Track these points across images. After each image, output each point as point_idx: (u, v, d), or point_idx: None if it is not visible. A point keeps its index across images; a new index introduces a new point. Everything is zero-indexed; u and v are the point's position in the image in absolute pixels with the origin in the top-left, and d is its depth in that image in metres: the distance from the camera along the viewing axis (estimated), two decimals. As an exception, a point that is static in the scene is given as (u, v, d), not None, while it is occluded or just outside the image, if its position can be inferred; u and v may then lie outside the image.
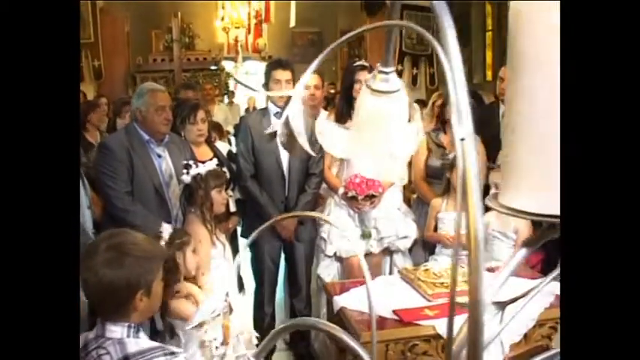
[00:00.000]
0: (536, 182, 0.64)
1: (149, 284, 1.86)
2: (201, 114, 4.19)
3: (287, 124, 0.72)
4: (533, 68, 0.62)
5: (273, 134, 3.93)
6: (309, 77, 0.78)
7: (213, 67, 10.13)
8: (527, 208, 0.66)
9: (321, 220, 4.08)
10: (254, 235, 1.13)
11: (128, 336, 1.81)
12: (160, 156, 3.78)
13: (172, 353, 1.82)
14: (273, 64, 4.10)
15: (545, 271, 3.73)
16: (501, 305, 0.85)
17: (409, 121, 0.76)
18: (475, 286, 0.62)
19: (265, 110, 4.18)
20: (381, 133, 0.76)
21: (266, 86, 4.12)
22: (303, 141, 0.75)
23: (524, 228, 3.69)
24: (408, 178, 4.16)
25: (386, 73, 0.76)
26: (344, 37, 0.69)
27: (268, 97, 4.01)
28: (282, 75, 3.98)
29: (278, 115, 3.99)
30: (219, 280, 3.41)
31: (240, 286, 4.35)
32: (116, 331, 1.80)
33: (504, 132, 0.68)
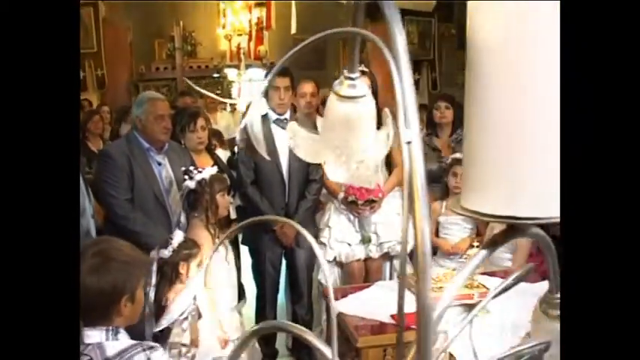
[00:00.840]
0: (492, 182, 0.65)
1: (133, 290, 1.90)
2: (200, 121, 4.22)
3: (245, 131, 0.74)
4: (490, 64, 0.63)
5: (272, 141, 3.96)
6: (285, 82, 0.79)
7: (215, 75, 10.18)
8: (483, 209, 0.67)
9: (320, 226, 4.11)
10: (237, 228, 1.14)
11: (107, 339, 1.84)
12: (160, 164, 3.82)
13: (151, 347, 1.86)
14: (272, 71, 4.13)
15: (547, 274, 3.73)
16: (470, 307, 0.86)
17: (380, 126, 0.77)
18: (422, 293, 0.62)
19: (265, 117, 4.20)
20: (349, 138, 0.77)
21: (265, 93, 4.14)
22: (261, 148, 0.77)
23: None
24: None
25: (352, 78, 0.77)
26: (299, 45, 0.71)
27: (268, 104, 4.03)
28: (281, 82, 4.01)
29: (278, 121, 4.02)
30: (220, 285, 3.46)
31: (241, 294, 4.36)
32: (94, 335, 1.83)
33: (464, 131, 0.69)
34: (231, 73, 10.13)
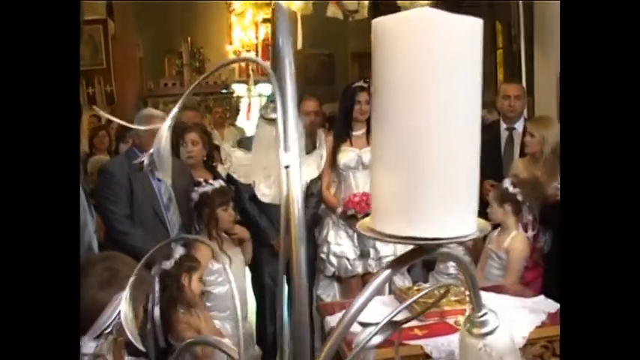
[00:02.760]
0: (398, 204, 0.67)
1: (137, 306, 1.95)
2: (191, 136, 4.23)
3: (152, 160, 0.76)
4: (394, 88, 0.64)
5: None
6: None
7: (223, 91, 10.25)
8: (386, 230, 0.68)
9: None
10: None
11: None
12: (159, 179, 3.85)
13: None
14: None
15: (544, 288, 3.71)
16: (395, 325, 0.87)
17: (314, 147, 0.79)
18: (299, 320, 0.64)
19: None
20: (277, 159, 0.79)
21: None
22: (165, 170, 0.79)
23: (516, 247, 3.66)
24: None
25: (275, 101, 0.79)
26: (209, 72, 0.73)
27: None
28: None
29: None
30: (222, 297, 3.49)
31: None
32: (93, 345, 1.88)
33: (371, 153, 0.70)
34: (240, 89, 10.19)
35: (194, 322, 3.00)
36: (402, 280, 4.15)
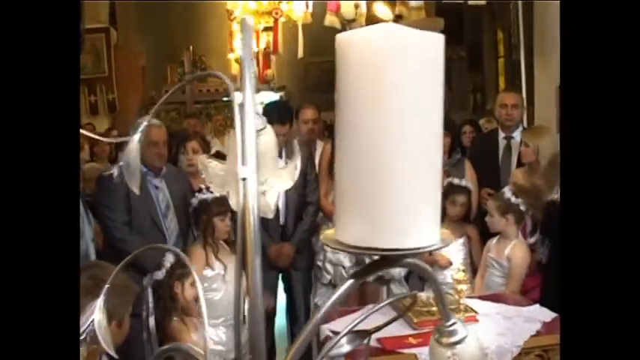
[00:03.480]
0: (356, 214, 0.68)
1: (122, 315, 1.95)
2: (192, 144, 4.26)
3: (120, 171, 0.77)
4: (356, 103, 0.65)
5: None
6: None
7: (224, 99, 10.28)
8: (349, 241, 0.69)
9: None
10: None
11: None
12: (157, 187, 3.88)
13: None
14: (272, 116, 4.23)
15: (542, 297, 3.70)
16: (364, 334, 0.88)
17: (288, 158, 0.80)
18: (255, 336, 0.65)
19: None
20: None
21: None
22: (133, 181, 0.81)
23: (517, 255, 3.67)
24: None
25: (249, 114, 0.81)
26: (170, 91, 0.74)
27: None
28: (281, 130, 3.95)
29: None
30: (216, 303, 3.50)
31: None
32: None
33: (335, 165, 0.71)
34: (241, 97, 10.19)
35: (188, 329, 3.02)
36: (400, 289, 4.16)
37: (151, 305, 3.17)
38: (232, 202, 0.87)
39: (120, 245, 3.67)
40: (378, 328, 0.97)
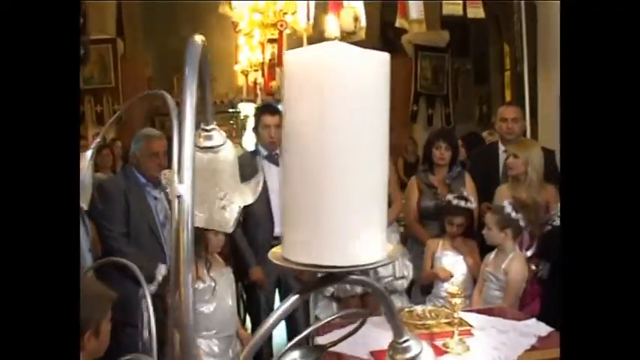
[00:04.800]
0: (301, 231, 0.68)
1: (98, 323, 1.94)
2: None
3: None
4: (303, 124, 0.65)
5: (263, 177, 4.01)
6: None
7: (230, 110, 10.35)
8: (294, 258, 0.69)
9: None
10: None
11: None
12: (156, 198, 3.89)
13: None
14: (262, 109, 4.25)
15: (541, 313, 3.68)
16: (320, 349, 0.88)
17: (253, 173, 0.81)
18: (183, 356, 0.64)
19: (255, 152, 4.27)
20: (211, 186, 0.81)
21: (255, 130, 4.24)
22: (84, 202, 0.81)
23: (514, 269, 3.65)
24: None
25: (207, 130, 0.82)
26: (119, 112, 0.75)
27: (259, 141, 4.11)
28: (272, 120, 4.08)
29: (269, 157, 4.09)
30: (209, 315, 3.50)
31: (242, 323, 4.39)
32: None
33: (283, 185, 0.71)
34: (247, 108, 10.26)
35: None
36: (402, 302, 4.14)
37: (144, 319, 3.17)
38: (195, 220, 0.88)
39: (117, 256, 3.67)
40: (334, 344, 0.96)
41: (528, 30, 6.43)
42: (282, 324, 4.48)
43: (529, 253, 3.81)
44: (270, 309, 4.27)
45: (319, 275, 0.71)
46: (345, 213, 0.66)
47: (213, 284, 3.49)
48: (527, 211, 3.78)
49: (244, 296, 4.43)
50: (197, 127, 0.90)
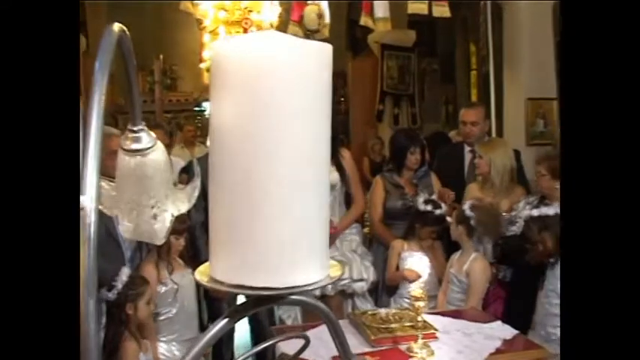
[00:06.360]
0: (230, 248, 0.60)
1: None
2: None
3: None
4: (229, 136, 0.57)
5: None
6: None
7: (195, 108, 10.21)
8: (221, 277, 0.61)
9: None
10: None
11: None
12: (114, 198, 3.78)
13: None
14: None
15: (505, 316, 3.66)
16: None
17: (189, 178, 0.73)
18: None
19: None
20: (141, 192, 0.73)
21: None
22: None
23: (476, 270, 3.62)
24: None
25: (135, 131, 0.73)
26: None
27: None
28: None
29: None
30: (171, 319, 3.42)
31: (202, 328, 4.29)
32: None
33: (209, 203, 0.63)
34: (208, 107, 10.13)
35: (138, 349, 2.94)
36: (364, 304, 4.09)
37: (100, 325, 3.07)
38: (122, 227, 0.80)
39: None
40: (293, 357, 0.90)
41: (494, 30, 6.45)
42: (245, 324, 4.41)
43: (488, 258, 3.79)
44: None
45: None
46: (278, 232, 0.58)
47: (175, 287, 3.42)
48: (480, 211, 3.75)
49: (206, 300, 4.33)
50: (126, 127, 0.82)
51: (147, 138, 0.74)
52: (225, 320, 0.64)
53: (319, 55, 0.58)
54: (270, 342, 0.83)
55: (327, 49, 0.59)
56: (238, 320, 0.66)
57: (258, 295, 0.60)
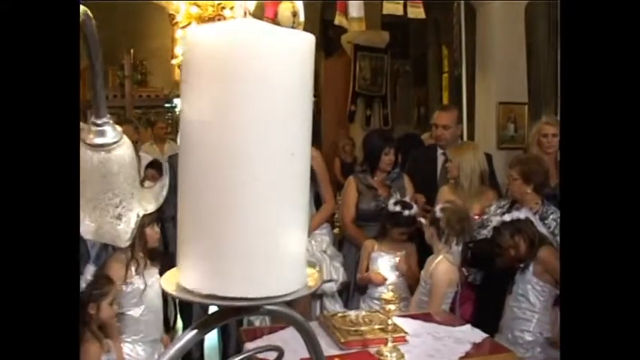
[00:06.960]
0: (199, 255, 0.55)
1: None
2: None
3: None
4: (199, 141, 0.52)
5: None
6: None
7: (166, 105, 10.07)
8: (190, 286, 0.56)
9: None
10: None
11: None
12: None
13: None
14: None
15: (475, 319, 3.65)
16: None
17: (160, 175, 0.70)
18: None
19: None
20: (104, 191, 0.67)
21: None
22: None
23: (439, 272, 3.59)
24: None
25: (99, 125, 0.68)
26: None
27: None
28: None
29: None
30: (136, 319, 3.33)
31: (167, 328, 4.22)
32: None
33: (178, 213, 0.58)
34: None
35: (100, 351, 2.85)
36: (334, 305, 4.05)
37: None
38: (83, 228, 0.74)
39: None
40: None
41: (467, 33, 6.47)
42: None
43: (456, 261, 3.78)
44: (205, 312, 4.12)
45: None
46: (255, 234, 0.53)
47: (142, 286, 3.32)
48: (449, 213, 3.74)
49: (173, 299, 4.26)
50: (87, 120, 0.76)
51: (112, 132, 0.68)
52: (194, 332, 0.60)
53: (301, 44, 0.53)
54: (246, 354, 0.78)
55: (310, 38, 0.54)
56: (208, 332, 0.62)
57: (231, 306, 0.56)
